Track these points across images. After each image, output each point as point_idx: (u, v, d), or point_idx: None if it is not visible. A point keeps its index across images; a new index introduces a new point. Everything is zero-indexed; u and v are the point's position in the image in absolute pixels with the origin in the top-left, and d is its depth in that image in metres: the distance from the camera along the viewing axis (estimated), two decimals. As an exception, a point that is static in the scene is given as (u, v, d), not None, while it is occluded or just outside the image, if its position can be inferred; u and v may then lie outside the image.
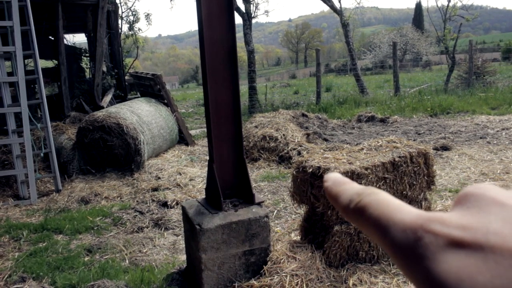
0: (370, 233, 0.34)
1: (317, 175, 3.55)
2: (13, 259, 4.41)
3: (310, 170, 3.60)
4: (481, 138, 8.43)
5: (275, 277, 3.31)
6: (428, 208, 4.07)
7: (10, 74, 6.88)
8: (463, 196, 0.33)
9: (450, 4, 16.63)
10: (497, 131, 8.89)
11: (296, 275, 3.31)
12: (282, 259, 3.45)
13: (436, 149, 7.57)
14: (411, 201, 3.95)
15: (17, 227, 5.24)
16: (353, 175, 3.53)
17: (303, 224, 4.00)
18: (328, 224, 3.62)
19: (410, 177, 3.89)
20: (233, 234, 3.32)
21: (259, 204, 3.53)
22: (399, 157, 3.81)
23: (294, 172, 3.83)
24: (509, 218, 0.30)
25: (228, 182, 3.60)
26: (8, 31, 6.55)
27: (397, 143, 4.14)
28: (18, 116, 6.90)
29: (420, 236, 0.30)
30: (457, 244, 0.29)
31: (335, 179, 0.40)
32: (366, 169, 3.61)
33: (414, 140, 7.43)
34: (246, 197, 3.59)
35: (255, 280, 3.39)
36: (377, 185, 3.66)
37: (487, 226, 0.29)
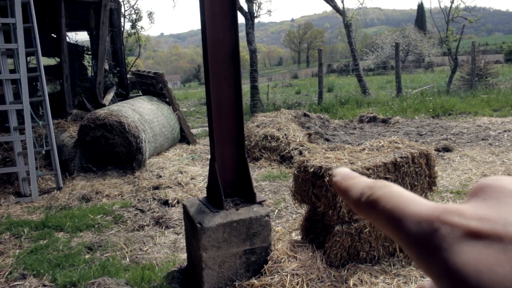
0: (384, 226, 0.33)
1: (319, 175, 3.55)
2: (14, 256, 4.41)
3: (312, 169, 3.59)
4: (483, 139, 8.42)
5: (276, 276, 3.31)
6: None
7: (12, 71, 6.88)
8: (480, 187, 0.33)
9: (453, 6, 16.61)
10: (499, 133, 8.88)
11: (297, 274, 3.31)
12: (282, 258, 3.45)
13: (437, 150, 7.56)
14: (413, 201, 3.94)
15: (18, 224, 5.25)
16: (355, 175, 3.52)
17: (304, 224, 4.00)
18: (329, 224, 3.62)
19: (412, 177, 3.88)
20: (234, 233, 3.31)
21: (260, 203, 3.53)
22: (401, 157, 3.80)
23: (295, 171, 3.83)
24: None
25: (230, 181, 3.60)
26: (11, 28, 6.56)
27: (399, 143, 4.13)
28: (20, 114, 6.91)
29: (436, 227, 0.29)
30: (475, 235, 0.28)
31: (344, 174, 0.39)
32: (368, 169, 3.60)
33: (415, 141, 7.42)
34: (247, 196, 3.59)
35: (255, 279, 3.38)
36: (379, 186, 3.65)
37: (506, 217, 0.29)
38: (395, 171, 3.76)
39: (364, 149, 4.07)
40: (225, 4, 3.47)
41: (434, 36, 39.47)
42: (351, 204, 0.37)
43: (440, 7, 16.97)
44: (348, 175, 0.39)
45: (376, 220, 0.34)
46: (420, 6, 71.55)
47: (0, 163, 7.02)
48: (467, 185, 5.80)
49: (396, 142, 4.17)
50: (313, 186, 3.63)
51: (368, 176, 3.56)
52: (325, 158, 3.78)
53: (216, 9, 3.45)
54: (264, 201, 3.60)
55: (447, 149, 7.69)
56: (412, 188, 3.89)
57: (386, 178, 3.70)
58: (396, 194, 0.33)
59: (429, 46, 38.95)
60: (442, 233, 0.29)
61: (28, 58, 10.34)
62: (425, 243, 0.30)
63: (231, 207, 3.47)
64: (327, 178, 3.45)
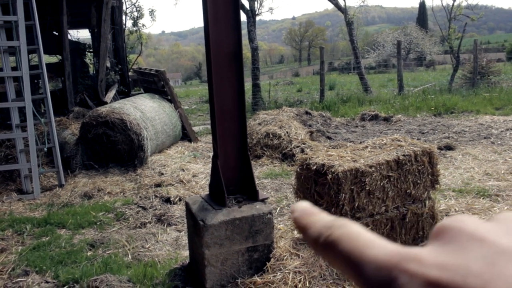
0: (342, 269, 0.32)
1: (321, 172, 3.55)
2: (17, 252, 4.41)
3: (314, 167, 3.59)
4: (485, 138, 8.41)
5: (278, 274, 3.31)
6: (432, 207, 4.06)
7: (14, 68, 6.89)
8: (441, 229, 0.31)
9: (455, 3, 16.58)
10: (501, 131, 8.87)
11: (299, 272, 3.31)
12: (285, 256, 3.45)
13: (440, 148, 7.55)
14: (415, 200, 3.94)
15: (21, 221, 5.25)
16: (358, 173, 3.52)
17: (306, 222, 3.99)
18: (332, 222, 3.61)
19: (414, 175, 3.88)
20: (236, 230, 3.32)
21: (263, 200, 3.53)
22: (404, 155, 3.80)
23: (298, 169, 3.83)
24: (490, 258, 0.28)
25: (232, 179, 3.60)
26: (12, 25, 6.55)
27: (401, 141, 4.13)
28: (22, 111, 6.91)
29: (395, 276, 0.28)
30: (435, 286, 0.27)
31: (303, 210, 0.38)
32: (371, 167, 3.60)
33: (418, 139, 7.41)
34: (250, 194, 3.59)
35: (258, 276, 3.39)
36: (381, 183, 3.65)
37: (466, 266, 0.27)
38: (397, 169, 3.76)
39: (367, 147, 4.07)
40: (228, 3, 3.47)
41: (436, 34, 39.43)
42: (309, 244, 0.35)
43: (442, 5, 16.95)
44: (307, 211, 0.37)
45: (334, 262, 0.33)
46: (422, 4, 71.44)
47: (2, 160, 7.02)
48: (469, 184, 5.79)
49: (399, 140, 4.16)
50: (316, 183, 3.63)
51: (371, 173, 3.57)
52: (328, 155, 3.77)
53: (219, 7, 3.45)
54: (266, 198, 3.60)
55: (449, 148, 7.69)
56: (415, 186, 3.89)
57: (389, 176, 3.70)
58: (354, 235, 0.32)
59: (430, 45, 38.89)
60: (401, 282, 0.28)
61: (30, 55, 10.36)
62: None
63: (234, 205, 3.47)
64: (330, 176, 3.45)
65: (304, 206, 0.38)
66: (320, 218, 0.36)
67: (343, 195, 3.47)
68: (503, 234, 0.30)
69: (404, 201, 3.89)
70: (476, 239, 0.29)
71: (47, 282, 3.81)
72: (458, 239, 0.29)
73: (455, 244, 0.29)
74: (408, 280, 0.28)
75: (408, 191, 3.86)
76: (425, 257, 0.29)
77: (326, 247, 0.33)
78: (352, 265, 0.30)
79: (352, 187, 3.51)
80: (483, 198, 5.23)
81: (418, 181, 3.91)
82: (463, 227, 0.30)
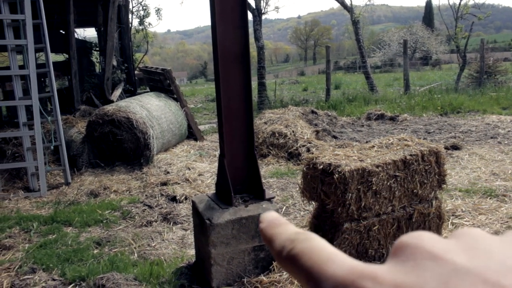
0: (303, 284, 0.31)
1: (328, 172, 3.54)
2: (24, 250, 4.44)
3: (321, 166, 3.58)
4: (491, 138, 8.37)
5: (284, 273, 3.31)
6: (439, 207, 4.05)
7: (21, 67, 6.92)
8: (399, 246, 0.31)
9: (462, 3, 16.49)
10: (508, 131, 8.82)
11: (306, 271, 3.30)
12: (291, 255, 3.45)
13: (446, 148, 7.52)
14: (422, 199, 3.93)
15: (28, 218, 5.28)
16: (364, 173, 3.52)
17: (312, 221, 3.99)
18: (338, 222, 3.61)
19: (421, 175, 3.87)
20: (243, 229, 3.32)
21: (269, 200, 3.53)
22: (411, 155, 3.79)
23: (304, 168, 3.82)
24: (445, 277, 0.27)
25: (239, 178, 3.60)
26: (20, 24, 6.58)
27: (408, 141, 4.11)
28: (29, 109, 6.95)
29: None
30: None
31: (269, 220, 0.37)
32: (377, 166, 3.59)
33: (424, 139, 7.39)
34: (256, 193, 3.59)
35: (264, 276, 3.39)
36: (388, 183, 3.64)
37: (421, 286, 0.27)
38: (404, 168, 3.75)
39: (373, 146, 4.06)
40: (235, 2, 3.46)
41: (442, 33, 39.22)
42: (274, 257, 0.35)
43: (449, 3, 16.86)
44: (273, 222, 0.37)
45: (296, 276, 0.32)
46: (428, 3, 71.08)
47: (10, 158, 7.06)
48: (476, 184, 5.77)
49: (406, 140, 4.15)
50: (322, 183, 3.63)
51: (378, 173, 3.55)
52: (334, 155, 3.77)
53: (226, 7, 3.44)
54: (273, 198, 3.60)
55: (455, 147, 7.65)
56: (422, 186, 3.87)
57: (396, 176, 3.68)
58: (316, 250, 0.32)
59: (436, 44, 38.69)
60: None
61: (37, 54, 10.39)
62: None
63: (240, 204, 3.47)
64: (337, 175, 3.44)
65: (272, 216, 0.38)
66: (285, 230, 0.35)
67: (350, 194, 3.46)
68: (460, 252, 0.29)
69: (411, 201, 3.88)
70: (432, 257, 0.29)
71: (53, 279, 3.83)
72: (415, 257, 0.29)
73: (412, 262, 0.29)
74: None
75: (415, 191, 3.85)
76: (381, 275, 0.28)
77: (288, 261, 0.33)
78: (311, 281, 0.30)
79: (358, 187, 3.51)
80: (490, 198, 5.21)
81: (425, 181, 3.90)
82: (420, 244, 0.30)
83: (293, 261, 0.32)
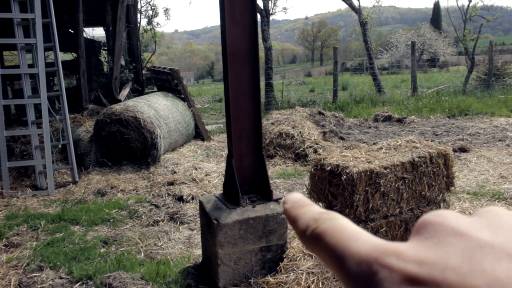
0: (327, 262, 0.32)
1: (336, 173, 3.53)
2: (31, 248, 4.46)
3: (329, 168, 3.58)
4: (500, 140, 8.31)
5: (291, 274, 3.31)
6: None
7: (30, 66, 6.96)
8: (422, 224, 0.31)
9: (471, 4, 16.41)
10: (517, 134, 8.76)
11: (312, 273, 3.30)
12: (298, 256, 3.44)
13: (454, 150, 7.48)
14: (430, 202, 3.91)
15: (35, 217, 5.31)
16: (372, 174, 3.50)
17: (319, 222, 3.98)
18: (346, 223, 3.60)
19: (429, 177, 3.85)
20: (250, 230, 3.31)
21: (277, 200, 3.52)
22: (419, 157, 3.77)
23: (312, 169, 3.82)
24: (468, 252, 0.28)
25: (246, 178, 3.60)
26: (30, 23, 6.62)
27: (416, 143, 4.10)
28: (37, 108, 6.98)
29: (375, 270, 0.28)
30: (413, 281, 0.27)
31: (294, 201, 0.38)
32: (385, 168, 3.58)
33: (431, 141, 7.35)
34: (264, 193, 3.59)
35: (271, 276, 3.38)
36: (396, 185, 3.63)
37: (445, 261, 0.27)
38: (412, 170, 3.73)
39: (382, 148, 4.05)
40: (245, 3, 3.46)
41: (450, 35, 39.03)
42: (298, 236, 0.35)
43: (457, 5, 16.80)
44: (298, 202, 0.37)
45: (320, 255, 0.33)
46: (436, 5, 70.76)
47: (18, 156, 7.10)
48: (484, 186, 5.73)
49: (414, 142, 4.13)
50: (330, 184, 3.62)
51: (386, 175, 3.54)
52: (342, 156, 3.76)
53: (236, 7, 3.45)
54: (280, 198, 3.59)
55: (463, 150, 7.61)
56: (430, 188, 3.86)
57: (404, 178, 3.67)
58: (339, 228, 0.32)
59: (444, 46, 38.49)
60: (380, 277, 0.28)
61: (46, 53, 10.44)
62: (364, 286, 0.29)
63: (248, 204, 3.47)
64: (344, 176, 3.43)
65: (296, 197, 0.38)
66: (309, 210, 0.36)
67: (358, 196, 3.45)
68: (483, 228, 0.30)
69: (419, 203, 3.86)
70: (456, 233, 0.29)
71: (61, 278, 3.84)
72: (439, 233, 0.30)
73: (436, 239, 0.29)
74: (387, 275, 0.28)
75: (422, 193, 3.83)
76: (404, 252, 0.29)
77: (312, 240, 0.33)
78: (335, 258, 0.31)
79: (366, 188, 3.50)
80: (498, 201, 5.18)
81: (433, 183, 3.88)
82: (444, 221, 0.30)
83: (317, 240, 0.33)
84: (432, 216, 0.31)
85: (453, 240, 0.29)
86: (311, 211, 0.36)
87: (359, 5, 16.67)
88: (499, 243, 0.28)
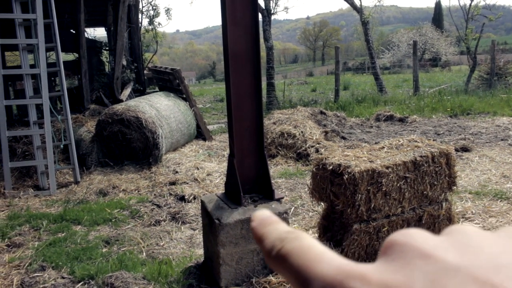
0: (292, 284, 0.31)
1: (337, 172, 3.53)
2: (33, 248, 4.46)
3: (331, 167, 3.57)
4: (502, 140, 8.30)
5: (293, 273, 3.30)
6: (449, 209, 4.02)
7: (32, 66, 6.97)
8: (389, 245, 0.30)
9: (473, 3, 16.39)
10: (519, 133, 8.75)
11: (314, 272, 3.29)
12: (300, 256, 3.44)
13: (456, 150, 7.46)
14: (432, 201, 3.91)
15: (37, 217, 5.31)
16: (374, 174, 3.50)
17: (321, 222, 3.98)
18: (347, 222, 3.60)
19: (431, 177, 3.84)
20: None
21: (279, 200, 3.52)
22: (421, 156, 3.76)
23: (314, 169, 3.81)
24: (433, 276, 0.27)
25: (248, 177, 3.60)
26: (31, 23, 6.63)
27: (418, 142, 4.09)
28: (39, 108, 6.99)
29: None
30: None
31: (261, 219, 0.36)
32: (387, 167, 3.57)
33: (433, 141, 7.34)
34: (266, 193, 3.59)
35: (272, 276, 3.38)
36: (398, 184, 3.62)
37: (409, 286, 0.26)
38: (414, 170, 3.72)
39: (383, 147, 4.04)
40: (246, 2, 3.46)
41: (452, 34, 39.00)
42: (264, 256, 0.34)
43: (459, 4, 16.77)
44: (265, 220, 0.36)
45: (285, 276, 0.32)
46: (438, 4, 70.68)
47: (20, 156, 7.11)
48: (486, 186, 5.72)
49: (416, 141, 4.12)
50: (332, 184, 3.62)
51: (388, 174, 3.54)
52: (344, 156, 3.75)
53: (237, 7, 3.44)
54: (282, 198, 3.59)
55: (465, 149, 7.60)
56: (432, 187, 3.85)
57: (406, 177, 3.66)
58: (305, 249, 0.31)
59: (446, 45, 38.46)
60: None
61: (48, 53, 10.45)
62: None
63: (250, 204, 3.47)
64: (346, 176, 3.43)
65: (263, 214, 0.37)
66: (276, 229, 0.35)
67: (359, 195, 3.45)
68: (451, 249, 0.29)
69: (421, 202, 3.85)
70: (422, 255, 0.28)
71: (63, 277, 3.85)
72: (405, 255, 0.29)
73: (401, 261, 0.28)
74: None
75: (424, 192, 3.82)
76: (369, 275, 0.28)
77: (277, 261, 0.32)
78: (300, 281, 0.30)
79: (368, 188, 3.49)
80: (501, 201, 5.16)
81: (435, 183, 3.87)
82: (410, 242, 0.29)
83: (282, 261, 0.32)
84: (399, 236, 0.31)
85: (419, 262, 0.28)
86: (278, 229, 0.35)
87: (361, 5, 16.66)
88: (466, 266, 0.27)
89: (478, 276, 0.26)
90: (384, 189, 3.54)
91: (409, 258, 0.28)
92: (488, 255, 0.28)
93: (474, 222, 4.64)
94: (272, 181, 6.29)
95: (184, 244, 4.57)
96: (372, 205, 3.53)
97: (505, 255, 0.28)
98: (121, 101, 9.43)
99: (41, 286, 3.69)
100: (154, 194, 6.09)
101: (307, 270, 0.30)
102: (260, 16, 15.06)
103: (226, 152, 8.00)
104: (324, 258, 0.30)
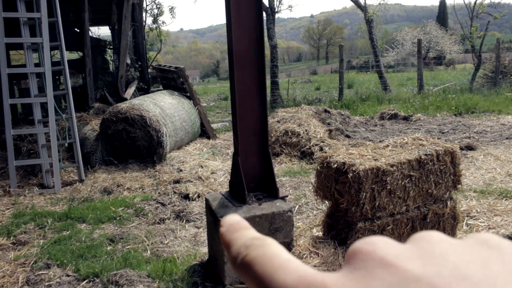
0: None
1: (342, 171, 3.52)
2: (38, 246, 4.48)
3: (335, 165, 3.57)
4: (507, 138, 8.27)
5: (298, 272, 3.30)
6: (454, 208, 4.01)
7: (37, 65, 6.99)
8: (352, 253, 0.30)
9: (478, 1, 16.31)
10: (524, 131, 8.71)
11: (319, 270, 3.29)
12: (304, 254, 3.44)
13: (460, 148, 7.44)
14: (436, 200, 3.90)
15: (42, 215, 5.33)
16: (379, 172, 3.49)
17: (326, 220, 3.98)
18: (352, 221, 3.60)
19: (436, 175, 3.83)
20: (256, 228, 3.31)
21: (283, 198, 3.52)
22: (425, 155, 3.75)
23: (318, 167, 3.81)
24: (393, 286, 0.26)
25: (253, 176, 3.60)
26: (36, 22, 6.65)
27: (423, 140, 4.08)
28: (44, 107, 7.01)
29: None
30: None
31: (229, 224, 0.36)
32: (392, 166, 3.57)
33: (438, 139, 7.33)
34: (270, 191, 3.58)
35: (277, 274, 3.38)
36: (403, 182, 3.62)
37: None
38: (419, 168, 3.72)
39: (388, 145, 4.03)
40: (251, 1, 3.46)
41: (456, 33, 38.83)
42: (231, 263, 0.34)
43: (464, 2, 16.71)
44: (233, 226, 0.35)
45: (250, 285, 0.31)
46: (442, 2, 70.47)
47: (25, 155, 7.14)
48: (491, 185, 5.70)
49: (420, 139, 4.11)
50: (336, 182, 3.61)
51: (392, 172, 3.53)
52: (349, 154, 3.75)
53: (242, 6, 3.44)
54: (286, 196, 3.59)
55: (470, 148, 7.58)
56: (436, 186, 3.84)
57: (410, 175, 3.66)
58: (269, 257, 0.30)
59: (450, 43, 38.30)
60: None
61: (52, 52, 10.48)
62: None
63: (254, 202, 3.47)
64: (351, 174, 3.42)
65: (232, 219, 0.36)
66: (243, 235, 0.34)
67: (364, 194, 3.44)
68: (414, 258, 0.28)
69: (426, 201, 3.84)
70: (384, 264, 0.28)
71: (68, 275, 3.86)
72: (367, 264, 0.28)
73: (363, 270, 0.28)
74: None
75: (429, 191, 3.81)
76: (330, 285, 0.27)
77: (242, 268, 0.31)
78: None
79: (373, 186, 3.48)
80: (506, 200, 5.15)
81: (440, 181, 3.86)
82: (373, 250, 0.29)
83: (245, 269, 0.31)
84: (363, 244, 0.30)
85: (381, 272, 0.27)
86: (245, 236, 0.34)
87: (365, 3, 16.62)
88: (427, 276, 0.26)
89: (439, 287, 0.26)
90: (388, 188, 3.54)
91: (371, 267, 0.28)
92: (452, 264, 0.27)
93: (479, 221, 4.62)
94: (277, 180, 6.30)
95: (189, 242, 4.57)
96: (377, 204, 3.53)
97: (470, 264, 0.27)
98: (126, 99, 9.44)
99: (46, 283, 3.70)
100: (159, 193, 6.10)
101: (270, 278, 0.29)
102: (264, 14, 15.05)
103: (230, 151, 8.00)
104: (288, 267, 0.29)
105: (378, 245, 0.29)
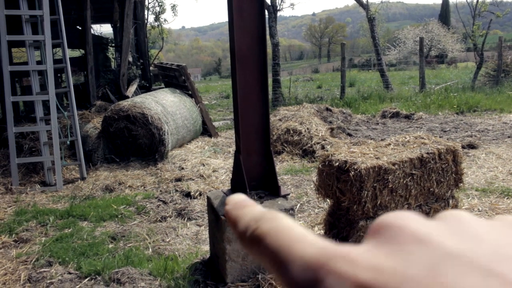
0: (269, 266, 0.28)
1: (344, 169, 3.52)
2: (40, 243, 4.49)
3: (337, 164, 3.57)
4: (509, 137, 8.26)
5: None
6: (456, 206, 4.01)
7: (39, 62, 6.99)
8: (379, 226, 0.28)
9: (480, 0, 16.28)
10: (526, 130, 8.69)
11: (320, 269, 3.29)
12: (306, 252, 3.44)
13: (462, 147, 7.41)
14: (438, 198, 3.89)
15: (44, 212, 5.34)
16: (380, 170, 3.49)
17: (327, 218, 3.98)
18: (353, 219, 3.59)
19: (438, 174, 3.83)
20: (258, 226, 3.31)
21: (285, 196, 3.52)
22: (427, 153, 3.75)
23: (320, 165, 3.80)
24: (431, 262, 0.24)
25: (254, 174, 3.60)
26: (38, 20, 6.65)
27: (425, 139, 4.07)
28: (45, 104, 7.02)
29: (321, 277, 0.25)
30: None
31: (235, 202, 0.35)
32: (394, 164, 3.56)
33: (440, 138, 7.32)
34: (272, 190, 3.59)
35: (278, 272, 3.38)
36: (404, 181, 3.61)
37: (404, 271, 0.24)
38: (421, 167, 3.71)
39: (390, 144, 4.03)
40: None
41: (458, 31, 38.79)
42: (238, 239, 0.32)
43: (466, 1, 16.66)
44: (239, 203, 0.34)
45: (262, 259, 0.29)
46: (445, 1, 70.29)
47: (27, 152, 7.15)
48: (493, 183, 5.70)
49: (422, 138, 4.11)
50: (338, 180, 3.61)
51: (394, 171, 3.53)
52: (350, 152, 3.74)
53: (244, 4, 3.44)
54: (288, 194, 3.59)
55: (472, 146, 7.57)
56: (438, 184, 3.84)
57: (412, 174, 3.65)
58: (283, 229, 0.29)
59: (452, 42, 38.25)
60: (327, 285, 0.25)
61: (54, 49, 10.47)
62: None
63: (255, 200, 3.47)
64: (352, 172, 3.42)
65: (238, 198, 0.35)
66: (251, 210, 0.33)
67: (366, 192, 3.44)
68: (448, 235, 0.26)
69: (427, 199, 3.84)
70: (418, 240, 0.26)
71: (69, 273, 3.87)
72: (398, 239, 0.26)
73: (394, 245, 0.26)
74: (335, 282, 0.24)
75: (431, 189, 3.81)
76: (357, 257, 0.25)
77: (252, 242, 0.30)
78: (277, 263, 0.27)
79: (374, 185, 3.48)
80: (507, 198, 5.14)
81: (442, 180, 3.86)
82: (404, 225, 0.27)
83: (257, 242, 0.29)
84: (392, 218, 0.28)
85: (415, 247, 0.25)
86: (253, 211, 0.33)
87: (367, 1, 16.59)
88: (467, 254, 0.24)
89: (481, 264, 0.24)
90: (390, 186, 3.54)
91: (403, 242, 0.26)
92: (489, 244, 0.26)
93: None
94: (278, 178, 6.30)
95: (190, 240, 4.58)
96: (378, 202, 3.53)
97: (506, 245, 0.26)
98: (127, 97, 9.45)
99: (48, 281, 3.71)
100: (160, 191, 6.11)
101: (286, 251, 0.27)
102: (266, 12, 15.03)
103: (232, 149, 8.00)
104: (306, 239, 0.28)
105: (408, 219, 0.27)
